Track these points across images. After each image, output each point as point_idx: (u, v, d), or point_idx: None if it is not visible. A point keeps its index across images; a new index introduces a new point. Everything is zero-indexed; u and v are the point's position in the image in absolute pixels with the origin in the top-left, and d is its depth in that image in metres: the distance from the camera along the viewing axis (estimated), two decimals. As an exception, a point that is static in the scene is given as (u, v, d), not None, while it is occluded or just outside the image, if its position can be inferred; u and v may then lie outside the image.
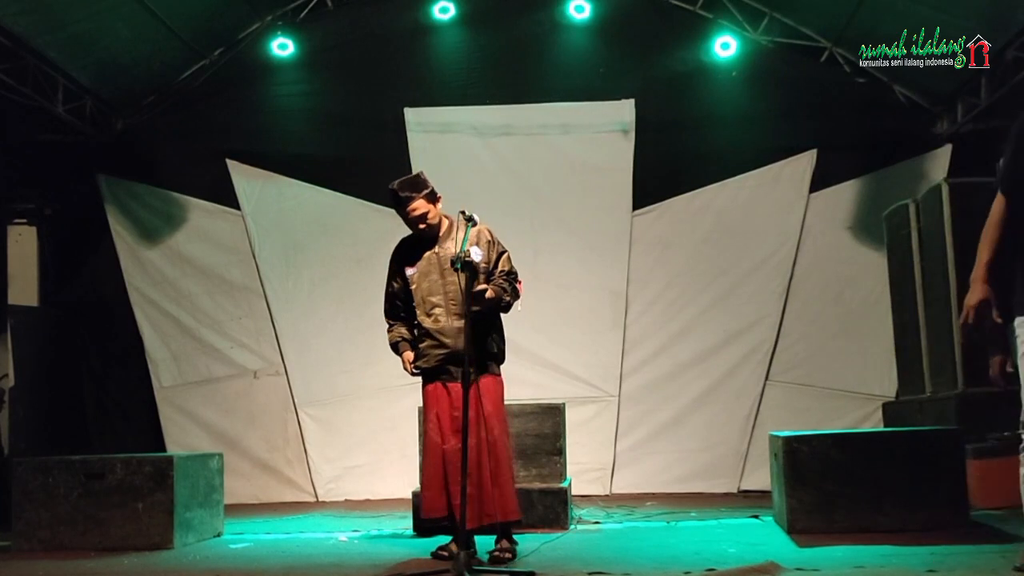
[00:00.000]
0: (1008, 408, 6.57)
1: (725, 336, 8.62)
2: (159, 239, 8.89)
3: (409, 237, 5.09)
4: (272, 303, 8.83)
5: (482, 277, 4.84)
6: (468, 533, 4.37)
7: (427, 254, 4.97)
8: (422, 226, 4.93)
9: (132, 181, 8.95)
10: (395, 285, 5.11)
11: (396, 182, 4.94)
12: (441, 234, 4.97)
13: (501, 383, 4.96)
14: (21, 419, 8.10)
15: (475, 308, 4.65)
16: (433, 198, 4.94)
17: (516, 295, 4.95)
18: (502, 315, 5.01)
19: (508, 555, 4.74)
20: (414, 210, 4.89)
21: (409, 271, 5.02)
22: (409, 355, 5.02)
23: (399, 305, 5.10)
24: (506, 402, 6.13)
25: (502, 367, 4.99)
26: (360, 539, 5.89)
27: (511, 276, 4.94)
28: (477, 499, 4.65)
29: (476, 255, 4.80)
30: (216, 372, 8.82)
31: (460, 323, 4.77)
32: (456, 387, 4.79)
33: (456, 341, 4.80)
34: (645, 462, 8.55)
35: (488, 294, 4.77)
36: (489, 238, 4.95)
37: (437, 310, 4.91)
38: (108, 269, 8.88)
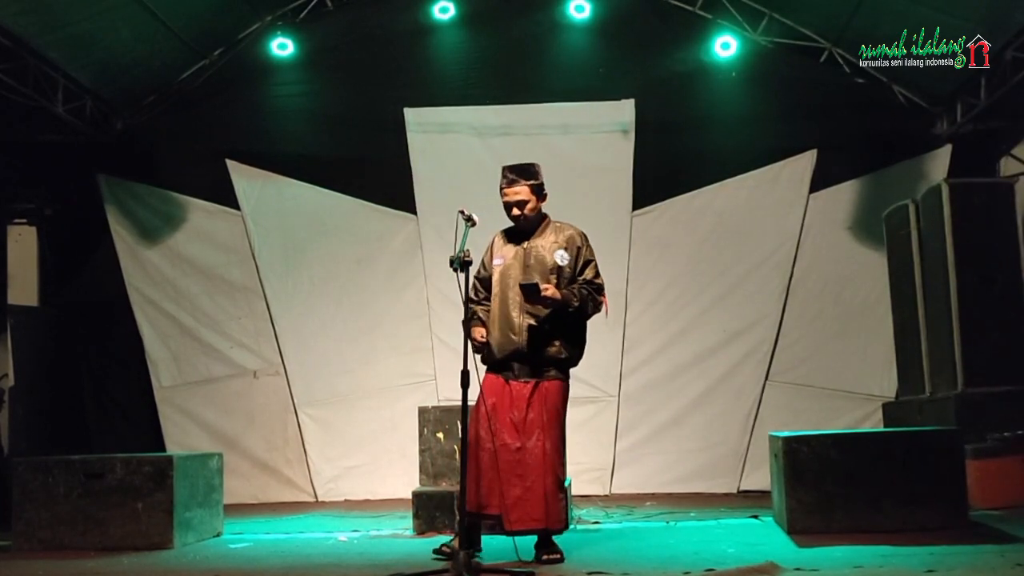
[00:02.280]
0: (1008, 408, 6.63)
1: (725, 336, 8.62)
2: (159, 239, 8.89)
3: (510, 228, 5.08)
4: (272, 303, 8.83)
5: (555, 280, 4.79)
6: (470, 530, 4.37)
7: (517, 248, 4.97)
8: (516, 212, 4.91)
9: (132, 181, 8.95)
10: (482, 272, 5.13)
11: (510, 164, 4.98)
12: (536, 231, 4.95)
13: (563, 388, 4.91)
14: (21, 419, 8.11)
15: (529, 304, 4.71)
16: (540, 192, 4.94)
17: (595, 305, 4.88)
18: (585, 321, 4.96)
19: (557, 556, 4.71)
20: (515, 194, 4.90)
21: (497, 261, 5.03)
22: (480, 330, 4.96)
23: (481, 291, 5.10)
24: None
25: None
26: (360, 539, 5.90)
27: (592, 286, 4.89)
28: (524, 502, 4.65)
29: (562, 259, 4.83)
30: (216, 372, 8.82)
31: (531, 321, 4.79)
32: (517, 385, 4.81)
33: (523, 339, 4.80)
34: (645, 462, 8.55)
35: (548, 293, 4.69)
36: (580, 244, 4.94)
37: (512, 305, 4.88)
38: (108, 269, 8.88)
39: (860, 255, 8.61)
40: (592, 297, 4.88)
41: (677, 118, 8.86)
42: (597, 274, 4.95)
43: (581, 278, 4.90)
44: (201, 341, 8.82)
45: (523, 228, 4.98)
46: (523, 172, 4.92)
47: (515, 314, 4.85)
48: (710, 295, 8.67)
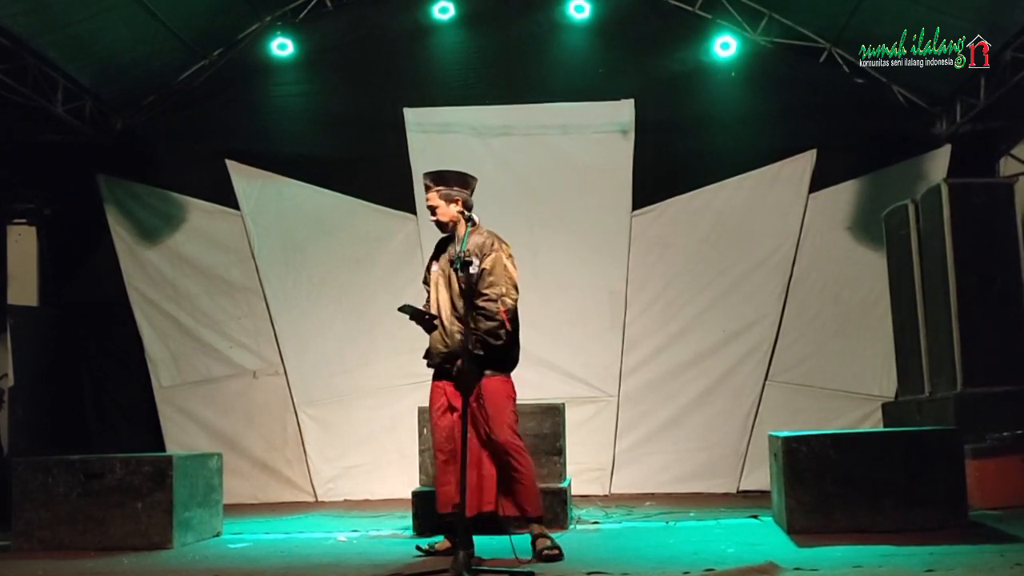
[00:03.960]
0: (1007, 408, 6.63)
1: (724, 336, 8.62)
2: (159, 239, 8.89)
3: (450, 235, 5.13)
4: (271, 303, 8.83)
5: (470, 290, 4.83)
6: (467, 530, 4.39)
7: (445, 256, 5.07)
8: (432, 218, 5.05)
9: (132, 181, 8.95)
10: (426, 275, 5.24)
11: (434, 169, 5.13)
12: (462, 238, 4.96)
13: (503, 383, 4.95)
14: (21, 419, 8.11)
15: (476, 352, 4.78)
16: (449, 198, 4.99)
17: (494, 335, 4.83)
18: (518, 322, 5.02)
19: (555, 551, 4.76)
20: (427, 200, 5.06)
21: (434, 266, 5.13)
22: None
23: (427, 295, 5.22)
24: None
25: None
26: (359, 539, 5.90)
27: (483, 313, 4.84)
28: (477, 488, 4.79)
29: (475, 268, 4.84)
30: (215, 372, 8.82)
31: (458, 326, 4.85)
32: (451, 386, 4.93)
33: (453, 343, 4.88)
34: (644, 462, 8.55)
35: (475, 349, 4.77)
36: (486, 251, 4.91)
37: (443, 310, 4.97)
38: (108, 269, 8.88)
39: (860, 255, 8.61)
40: (491, 334, 4.82)
41: (677, 118, 8.86)
42: (492, 283, 4.89)
43: (479, 300, 4.84)
44: (201, 341, 8.82)
45: (449, 235, 5.06)
46: (435, 178, 5.03)
47: (447, 322, 4.95)
48: (709, 295, 8.68)
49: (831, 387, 8.53)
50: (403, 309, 4.88)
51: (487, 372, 4.90)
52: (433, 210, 5.03)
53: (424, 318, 4.93)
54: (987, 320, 7.00)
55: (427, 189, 5.06)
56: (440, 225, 5.06)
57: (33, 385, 8.27)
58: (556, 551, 4.76)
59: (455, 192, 5.01)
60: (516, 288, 4.95)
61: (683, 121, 8.88)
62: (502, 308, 4.86)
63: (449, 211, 5.00)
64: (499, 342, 4.85)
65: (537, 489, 4.96)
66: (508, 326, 4.87)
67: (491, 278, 4.89)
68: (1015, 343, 7.01)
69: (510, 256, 4.99)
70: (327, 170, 8.92)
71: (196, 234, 8.90)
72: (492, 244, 4.94)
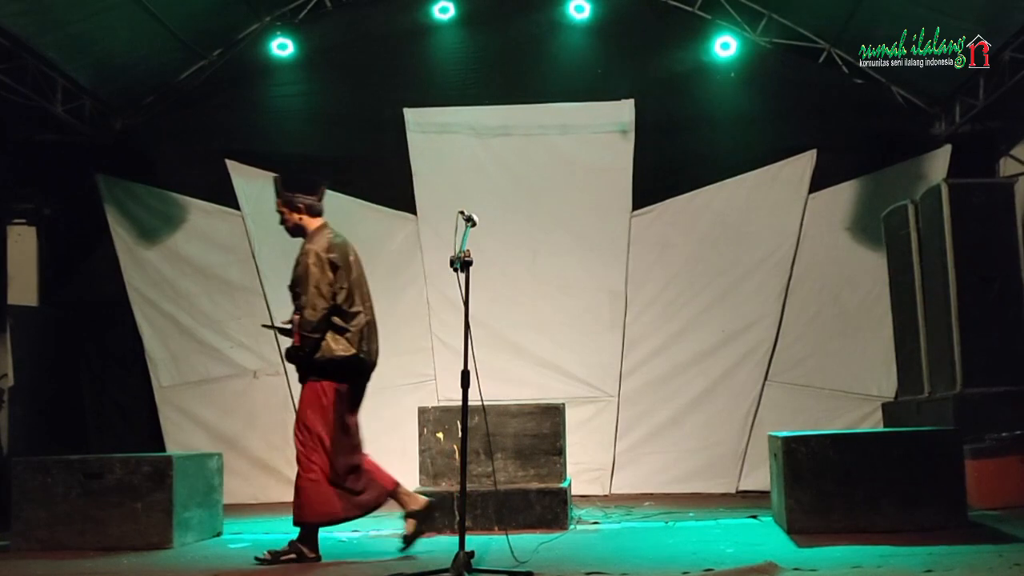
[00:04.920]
0: (1006, 409, 6.63)
1: (724, 336, 8.62)
2: (158, 239, 8.88)
3: None
4: (271, 303, 8.81)
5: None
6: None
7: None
8: (283, 226, 5.17)
9: (131, 181, 8.94)
10: None
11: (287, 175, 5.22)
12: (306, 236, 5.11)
13: (309, 389, 4.99)
14: (20, 419, 8.11)
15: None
16: (292, 206, 5.10)
17: (306, 350, 4.91)
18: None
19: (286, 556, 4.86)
20: (276, 207, 5.18)
21: None
22: None
23: None
24: (506, 402, 6.15)
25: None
26: (359, 539, 5.90)
27: (287, 332, 5.00)
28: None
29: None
30: (215, 372, 8.82)
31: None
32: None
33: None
34: (644, 462, 8.55)
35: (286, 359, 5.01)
36: (300, 262, 5.02)
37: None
38: (107, 269, 8.87)
39: (859, 255, 8.61)
40: (301, 348, 4.92)
41: (676, 118, 8.86)
42: (298, 294, 4.97)
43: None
44: (201, 341, 8.82)
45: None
46: (280, 184, 5.15)
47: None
48: (709, 295, 8.68)
49: (831, 387, 8.53)
50: (265, 326, 5.11)
51: (310, 378, 4.98)
52: (280, 217, 5.13)
53: (285, 331, 5.05)
54: (987, 320, 7.00)
55: (276, 195, 5.15)
56: (289, 232, 5.15)
57: (33, 385, 8.28)
58: (292, 557, 4.84)
59: (298, 199, 5.09)
60: (323, 296, 4.91)
61: (683, 121, 8.88)
62: (297, 327, 4.90)
63: (292, 217, 5.10)
64: (300, 356, 4.93)
65: (305, 500, 4.88)
66: (298, 341, 4.91)
67: (298, 288, 4.98)
68: (1015, 343, 7.01)
69: (318, 258, 4.93)
70: (327, 170, 8.89)
71: (196, 234, 8.90)
72: (304, 247, 5.00)
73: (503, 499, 5.98)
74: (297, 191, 5.09)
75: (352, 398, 5.07)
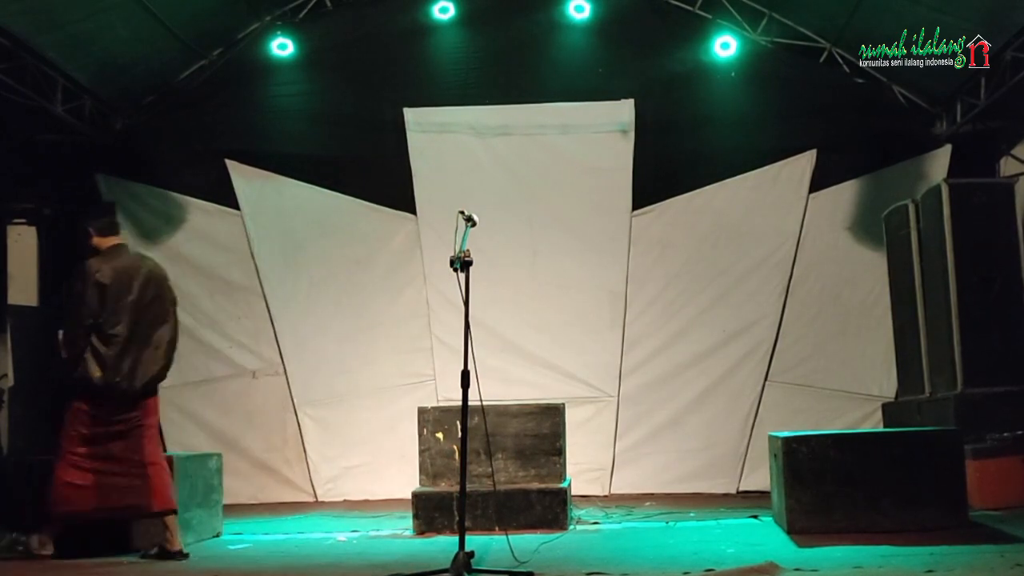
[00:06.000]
0: (1007, 409, 6.63)
1: (724, 336, 8.62)
2: (158, 239, 8.88)
3: None
4: (271, 303, 8.82)
5: None
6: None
7: None
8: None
9: (131, 181, 8.93)
10: None
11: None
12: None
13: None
14: (20, 419, 8.10)
15: None
16: (98, 230, 5.60)
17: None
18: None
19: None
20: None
21: None
22: None
23: None
24: (506, 402, 6.24)
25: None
26: (359, 539, 5.90)
27: None
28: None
29: None
30: (215, 372, 8.81)
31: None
32: None
33: None
34: (644, 462, 8.55)
35: None
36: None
37: None
38: (107, 269, 8.86)
39: (860, 255, 8.61)
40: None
41: (676, 118, 8.85)
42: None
43: None
44: (200, 341, 8.81)
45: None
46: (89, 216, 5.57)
47: None
48: (709, 295, 8.67)
49: (831, 387, 8.52)
50: None
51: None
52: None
53: None
54: (987, 320, 7.00)
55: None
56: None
57: (33, 385, 8.26)
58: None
59: (91, 229, 5.56)
60: (80, 312, 5.27)
61: (683, 121, 8.87)
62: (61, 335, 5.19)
63: (95, 242, 5.59)
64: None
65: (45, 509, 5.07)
66: (65, 353, 5.16)
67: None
68: (1015, 343, 7.01)
69: (84, 276, 5.33)
70: (327, 170, 8.92)
71: (196, 234, 8.89)
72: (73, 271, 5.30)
73: (503, 499, 5.98)
74: (89, 225, 5.54)
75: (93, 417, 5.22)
